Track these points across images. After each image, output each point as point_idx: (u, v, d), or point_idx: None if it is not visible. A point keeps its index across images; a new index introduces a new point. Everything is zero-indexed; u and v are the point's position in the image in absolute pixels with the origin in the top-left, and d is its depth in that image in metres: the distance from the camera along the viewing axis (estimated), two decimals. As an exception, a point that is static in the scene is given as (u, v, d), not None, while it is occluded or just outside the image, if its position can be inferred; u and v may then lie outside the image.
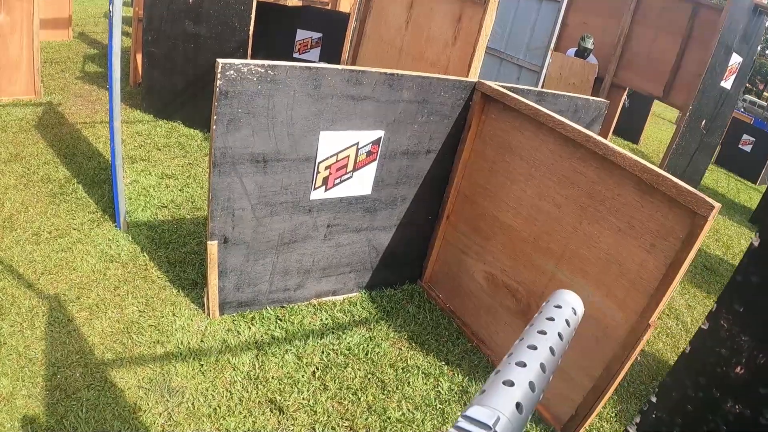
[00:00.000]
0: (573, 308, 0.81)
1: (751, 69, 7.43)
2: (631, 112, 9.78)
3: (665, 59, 7.78)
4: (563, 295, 0.83)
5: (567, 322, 0.78)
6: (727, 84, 7.02)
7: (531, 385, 0.64)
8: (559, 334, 0.74)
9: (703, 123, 7.01)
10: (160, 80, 5.94)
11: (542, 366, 0.68)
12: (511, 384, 0.63)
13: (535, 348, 0.70)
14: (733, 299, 2.43)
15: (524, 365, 0.66)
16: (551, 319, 0.77)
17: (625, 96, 8.24)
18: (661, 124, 13.60)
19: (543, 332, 0.73)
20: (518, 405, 0.61)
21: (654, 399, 2.80)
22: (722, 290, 2.55)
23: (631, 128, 10.39)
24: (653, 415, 2.71)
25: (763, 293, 2.19)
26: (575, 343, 2.98)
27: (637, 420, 2.67)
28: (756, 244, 2.19)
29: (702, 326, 2.65)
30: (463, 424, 0.56)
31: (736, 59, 6.86)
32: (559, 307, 0.80)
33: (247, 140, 2.80)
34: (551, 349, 0.71)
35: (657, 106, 11.19)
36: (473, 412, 0.58)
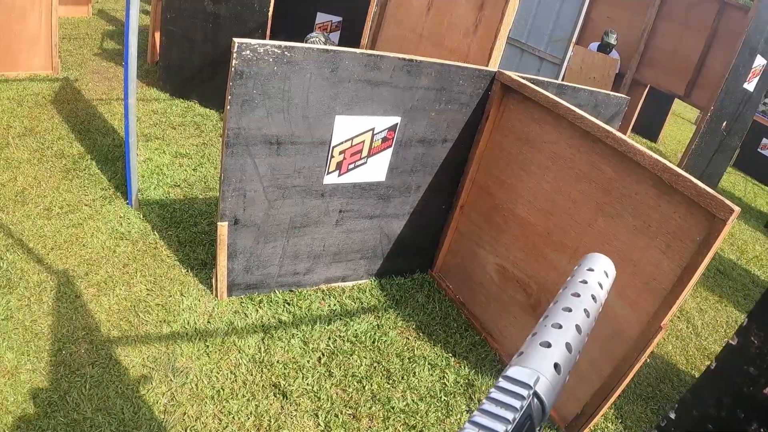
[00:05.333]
0: (605, 271, 0.81)
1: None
2: (651, 110, 9.63)
3: (689, 58, 7.67)
4: (595, 258, 0.84)
5: (600, 284, 0.78)
6: (750, 86, 6.90)
7: (567, 345, 0.65)
8: (593, 296, 0.75)
9: (724, 124, 6.90)
10: (178, 59, 5.91)
11: (577, 327, 0.69)
12: (548, 345, 0.64)
13: (569, 310, 0.71)
14: (766, 315, 2.35)
15: (560, 327, 0.67)
16: (584, 282, 0.77)
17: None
18: (681, 124, 13.42)
19: (577, 294, 0.74)
20: (556, 365, 0.62)
21: (672, 415, 2.73)
22: (755, 304, 2.46)
23: (650, 126, 10.25)
24: None
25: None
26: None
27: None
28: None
29: (730, 341, 2.57)
30: (503, 383, 0.57)
31: (760, 61, 6.73)
32: (591, 270, 0.80)
33: (261, 122, 2.77)
34: (585, 311, 0.72)
35: (677, 105, 11.03)
36: (513, 372, 0.59)
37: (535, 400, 0.58)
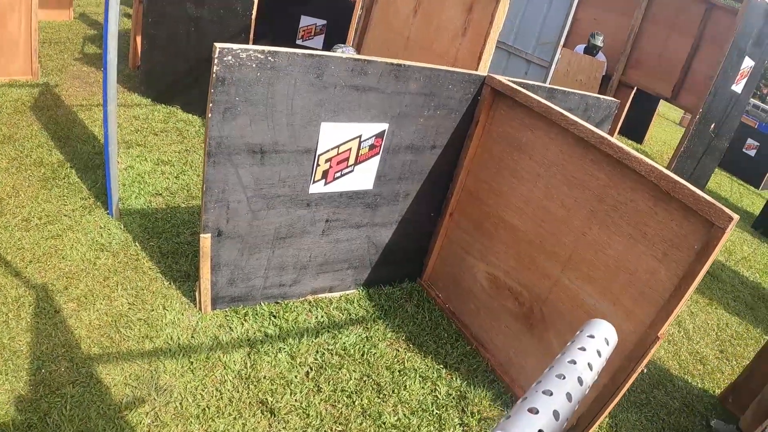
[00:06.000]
0: (606, 338, 0.82)
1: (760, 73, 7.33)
2: (636, 111, 9.64)
3: (676, 59, 7.67)
4: (597, 325, 0.84)
5: (598, 352, 0.79)
6: (737, 88, 6.90)
7: (555, 413, 0.66)
8: (589, 365, 0.76)
9: (713, 126, 6.90)
10: (160, 64, 5.80)
11: (568, 395, 0.69)
12: (535, 411, 0.65)
13: (563, 377, 0.72)
14: None
15: (551, 394, 0.68)
16: (583, 349, 0.78)
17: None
18: (665, 125, 13.49)
19: (573, 362, 0.75)
20: None
21: None
22: None
23: (635, 128, 10.26)
24: None
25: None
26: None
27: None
28: None
29: None
30: None
31: (748, 63, 6.74)
32: (591, 336, 0.81)
33: (244, 130, 2.68)
34: (579, 378, 0.73)
35: (661, 106, 11.06)
36: None
37: None
